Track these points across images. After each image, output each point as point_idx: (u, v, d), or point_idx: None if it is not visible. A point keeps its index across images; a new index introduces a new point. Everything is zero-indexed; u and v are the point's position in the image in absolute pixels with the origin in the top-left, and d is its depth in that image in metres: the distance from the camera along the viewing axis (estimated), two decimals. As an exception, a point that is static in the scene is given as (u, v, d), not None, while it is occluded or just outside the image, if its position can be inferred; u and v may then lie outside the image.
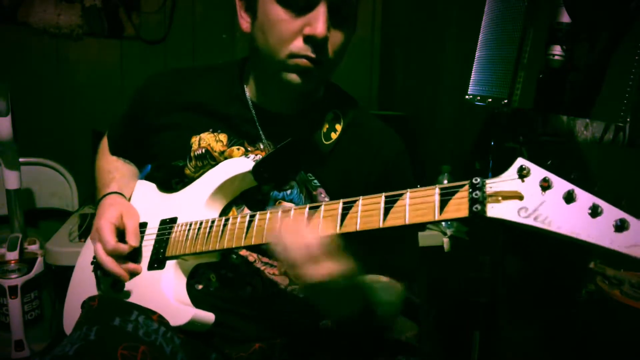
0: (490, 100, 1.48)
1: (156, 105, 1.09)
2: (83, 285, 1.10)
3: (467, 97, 1.60)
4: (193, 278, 1.03)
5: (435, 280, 2.21)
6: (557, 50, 1.41)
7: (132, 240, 1.01)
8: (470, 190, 0.67)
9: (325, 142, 1.03)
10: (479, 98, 1.54)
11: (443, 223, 2.05)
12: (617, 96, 1.30)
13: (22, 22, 2.39)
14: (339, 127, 1.05)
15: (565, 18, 1.39)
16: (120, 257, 0.99)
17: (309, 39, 0.89)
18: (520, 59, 1.37)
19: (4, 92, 1.84)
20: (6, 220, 2.10)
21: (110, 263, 0.98)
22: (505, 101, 1.40)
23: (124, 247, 0.99)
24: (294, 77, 0.93)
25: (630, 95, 1.29)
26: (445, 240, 2.02)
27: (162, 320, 0.93)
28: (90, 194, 2.27)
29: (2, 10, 2.35)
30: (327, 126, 1.04)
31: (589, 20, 1.37)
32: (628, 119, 1.32)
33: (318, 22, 0.88)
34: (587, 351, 1.50)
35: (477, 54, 1.59)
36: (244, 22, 0.99)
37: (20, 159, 2.02)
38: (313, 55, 0.91)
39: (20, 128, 1.94)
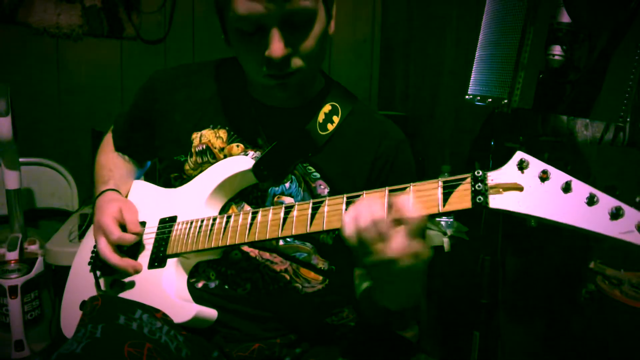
0: (490, 100, 1.48)
1: (161, 99, 1.11)
2: (80, 286, 1.11)
3: (467, 97, 1.60)
4: (193, 277, 1.04)
5: (435, 280, 2.21)
6: (557, 50, 1.41)
7: (134, 228, 1.02)
8: (473, 182, 0.69)
9: (321, 132, 1.04)
10: (479, 98, 1.54)
11: (443, 223, 2.05)
12: (617, 96, 1.30)
13: (22, 22, 2.39)
14: (336, 118, 1.06)
15: (565, 18, 1.39)
16: (121, 253, 1.01)
17: (270, 61, 0.90)
18: (520, 59, 1.37)
19: (4, 92, 1.84)
20: (6, 220, 2.10)
21: (113, 256, 0.99)
22: (505, 101, 1.40)
23: (128, 237, 1.01)
24: (273, 90, 0.97)
25: (630, 95, 1.29)
26: (445, 240, 2.02)
27: (165, 319, 0.94)
28: (90, 193, 2.28)
29: (2, 10, 2.35)
30: (323, 117, 1.05)
31: (589, 20, 1.37)
32: (628, 119, 1.32)
33: (272, 44, 0.88)
34: (587, 351, 1.50)
35: (477, 54, 1.59)
36: (227, 40, 1.01)
37: (20, 159, 2.03)
38: (280, 73, 0.92)
39: (20, 128, 1.94)
